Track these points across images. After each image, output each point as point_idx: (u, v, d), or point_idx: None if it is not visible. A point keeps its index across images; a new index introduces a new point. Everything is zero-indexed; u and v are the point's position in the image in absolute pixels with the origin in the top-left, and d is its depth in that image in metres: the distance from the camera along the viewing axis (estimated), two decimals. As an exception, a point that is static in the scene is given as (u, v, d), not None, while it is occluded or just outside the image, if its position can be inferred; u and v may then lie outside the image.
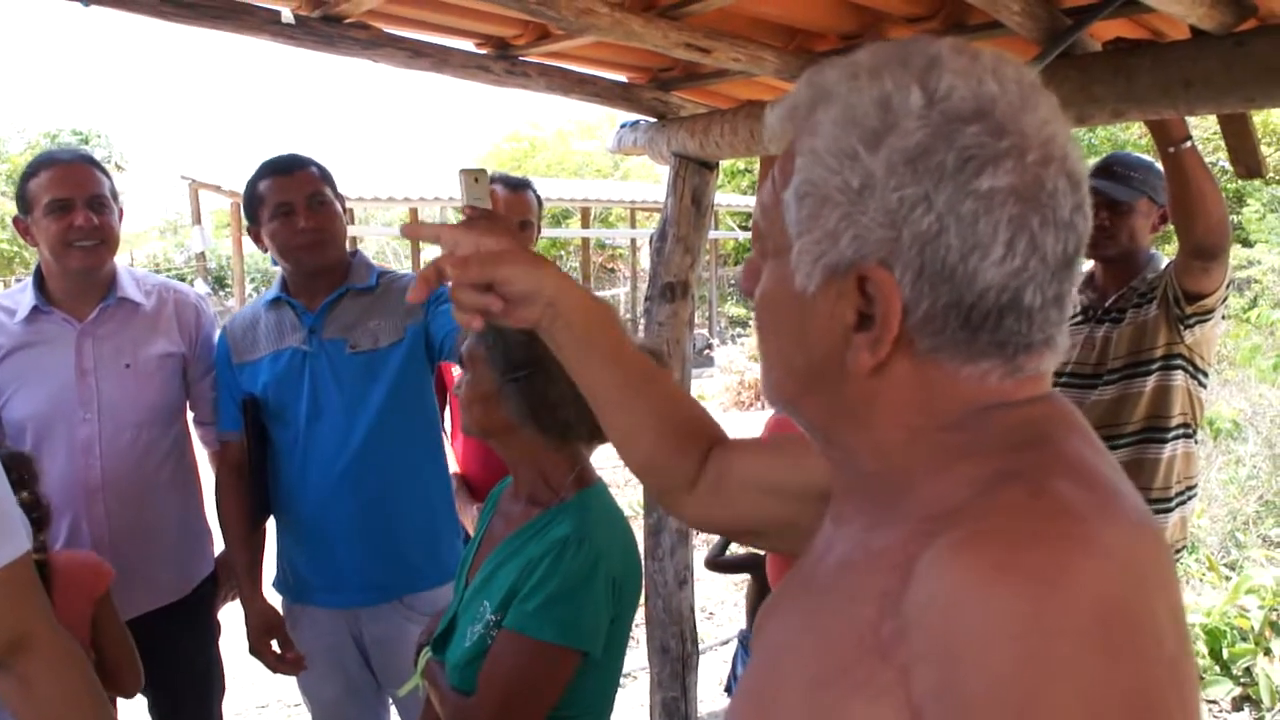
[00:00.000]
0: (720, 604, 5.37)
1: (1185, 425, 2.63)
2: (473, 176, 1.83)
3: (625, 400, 1.15)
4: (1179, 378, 2.59)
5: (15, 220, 2.36)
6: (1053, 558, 0.59)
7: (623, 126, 3.39)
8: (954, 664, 0.60)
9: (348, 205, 2.62)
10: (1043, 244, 0.69)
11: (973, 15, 2.24)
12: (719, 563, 3.10)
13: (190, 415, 2.61)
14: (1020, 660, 0.57)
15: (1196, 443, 2.74)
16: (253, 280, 19.81)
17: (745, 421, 10.03)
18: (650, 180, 25.14)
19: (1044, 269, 0.70)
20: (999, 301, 0.70)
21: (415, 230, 1.25)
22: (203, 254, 15.90)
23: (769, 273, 0.81)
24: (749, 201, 18.98)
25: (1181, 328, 2.53)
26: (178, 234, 28.16)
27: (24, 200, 2.32)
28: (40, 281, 2.39)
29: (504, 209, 2.97)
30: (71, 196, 2.28)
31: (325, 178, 2.43)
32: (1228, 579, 4.60)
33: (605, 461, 2.10)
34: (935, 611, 0.62)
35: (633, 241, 20.15)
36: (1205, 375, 2.64)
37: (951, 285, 0.69)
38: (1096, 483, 0.67)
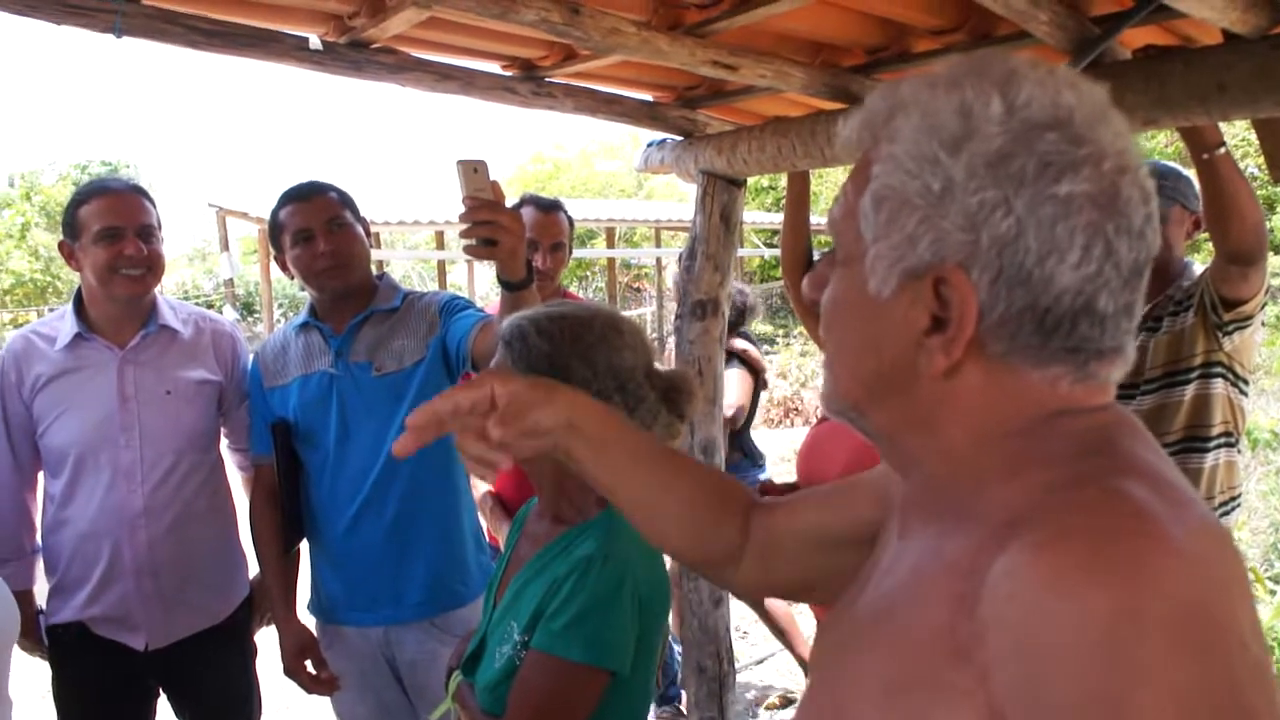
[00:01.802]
0: (755, 622, 5.32)
1: (1227, 434, 2.59)
2: (471, 167, 1.84)
3: (654, 496, 1.15)
4: (1219, 385, 2.56)
5: (61, 244, 2.40)
6: (1134, 555, 0.60)
7: (649, 145, 3.40)
8: (1038, 664, 0.60)
9: (373, 229, 2.64)
10: (1117, 250, 0.71)
11: (999, 26, 2.22)
12: None
13: (225, 441, 2.63)
14: (1109, 659, 0.57)
15: (1239, 452, 2.70)
16: (280, 306, 19.98)
17: (773, 438, 9.98)
18: (675, 199, 25.20)
19: (1117, 275, 0.72)
20: (1073, 306, 0.71)
21: (420, 436, 1.12)
22: (231, 280, 16.02)
23: (839, 280, 0.82)
24: (774, 219, 18.96)
25: (1220, 335, 2.50)
26: (205, 261, 28.50)
27: (72, 226, 2.35)
28: (80, 308, 2.42)
29: (536, 231, 3.01)
30: (122, 225, 2.31)
31: (345, 202, 2.45)
32: (1272, 593, 4.52)
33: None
34: (1016, 612, 0.62)
35: (658, 261, 20.16)
36: (1246, 383, 2.61)
37: (1027, 288, 0.71)
38: (1166, 487, 0.67)
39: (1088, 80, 0.75)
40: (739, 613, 5.05)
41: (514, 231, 1.85)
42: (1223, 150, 2.25)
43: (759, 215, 20.39)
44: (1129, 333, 0.75)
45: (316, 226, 2.36)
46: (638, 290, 22.77)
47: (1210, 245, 2.46)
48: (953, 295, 0.72)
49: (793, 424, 11.35)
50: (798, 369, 12.17)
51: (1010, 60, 0.75)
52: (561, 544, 1.58)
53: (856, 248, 0.79)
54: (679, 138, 3.23)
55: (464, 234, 1.85)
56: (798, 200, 3.06)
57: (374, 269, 2.58)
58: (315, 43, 2.39)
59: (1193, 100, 1.97)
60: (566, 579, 1.49)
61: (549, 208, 3.14)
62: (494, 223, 1.82)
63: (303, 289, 2.51)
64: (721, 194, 3.13)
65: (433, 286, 19.43)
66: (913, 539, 0.81)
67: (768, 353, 16.48)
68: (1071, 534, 0.63)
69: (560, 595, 1.48)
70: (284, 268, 2.48)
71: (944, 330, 0.73)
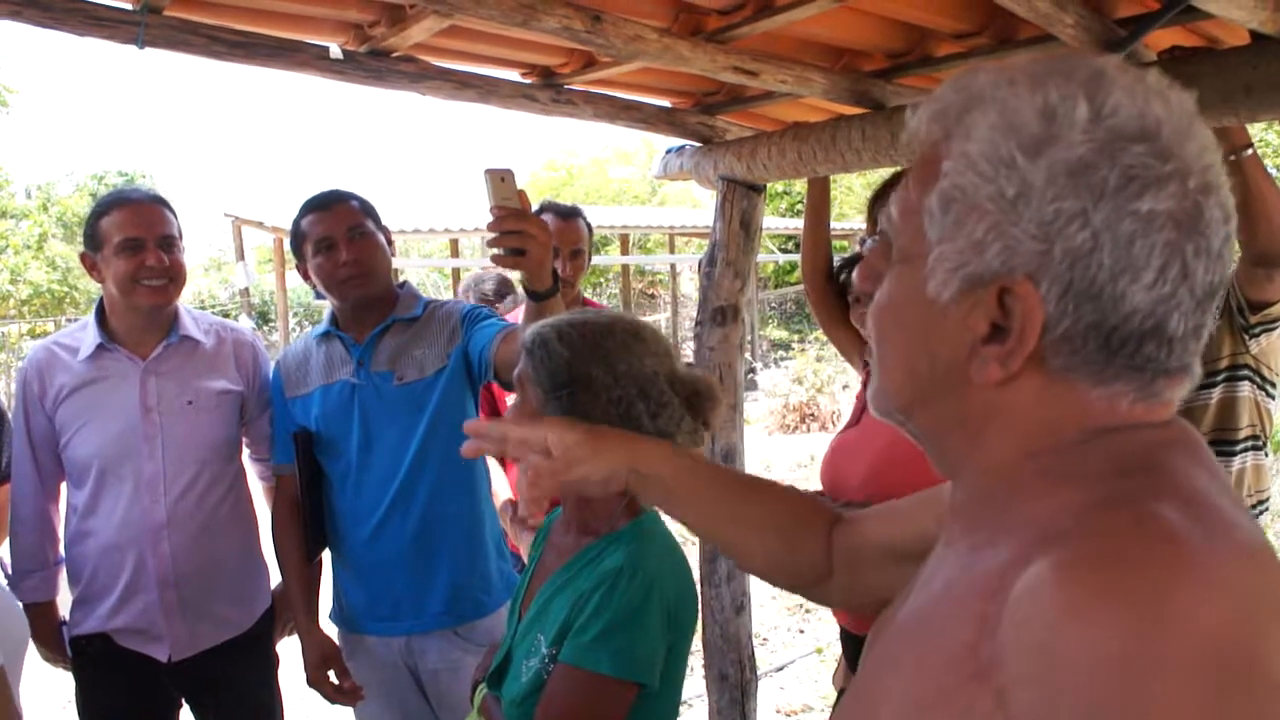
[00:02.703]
0: (774, 629, 5.32)
1: (1254, 437, 2.57)
2: (499, 176, 1.84)
3: (731, 527, 1.16)
4: (1245, 388, 2.53)
5: (83, 256, 2.40)
6: (1156, 585, 0.57)
7: (668, 152, 3.39)
8: (1052, 691, 0.58)
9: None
10: (1194, 273, 0.68)
11: (1023, 30, 2.21)
12: None
13: (246, 452, 2.63)
14: (1118, 694, 0.55)
15: (1266, 455, 2.68)
16: (295, 315, 20.03)
17: (790, 445, 9.97)
18: (688, 205, 25.18)
19: (1190, 298, 0.69)
20: (1142, 327, 0.69)
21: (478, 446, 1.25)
22: (246, 290, 16.08)
23: (895, 278, 0.80)
24: (788, 224, 18.94)
25: (1246, 337, 2.48)
26: (221, 270, 28.61)
27: (94, 238, 2.35)
28: (102, 319, 2.42)
29: (556, 238, 3.00)
30: (143, 236, 2.32)
31: (366, 210, 2.45)
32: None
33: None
34: (1033, 635, 0.60)
35: (672, 267, 20.15)
36: (1273, 385, 2.58)
37: (1096, 305, 0.68)
38: (1206, 510, 0.64)
39: (1177, 89, 0.71)
40: (758, 620, 5.04)
41: (542, 240, 1.85)
42: (1250, 152, 2.24)
43: (773, 221, 20.36)
44: (1196, 353, 0.72)
45: (338, 235, 2.36)
46: (652, 297, 22.78)
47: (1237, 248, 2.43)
48: (1017, 306, 0.69)
49: (809, 429, 11.32)
50: (813, 374, 12.14)
51: (1097, 61, 0.72)
52: (588, 556, 1.57)
53: (917, 247, 0.76)
54: (697, 144, 3.23)
55: (491, 243, 1.85)
56: (817, 206, 3.05)
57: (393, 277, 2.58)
58: (336, 52, 2.39)
59: (1221, 102, 1.95)
60: (594, 591, 1.48)
61: (568, 214, 3.13)
62: (522, 231, 1.82)
63: (320, 297, 2.51)
64: (741, 200, 3.12)
65: (447, 295, 19.48)
66: (950, 549, 0.80)
67: (783, 358, 16.48)
68: (1094, 558, 0.61)
69: (589, 608, 1.47)
70: (305, 277, 2.48)
71: (1003, 340, 0.71)
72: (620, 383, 1.50)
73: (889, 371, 0.82)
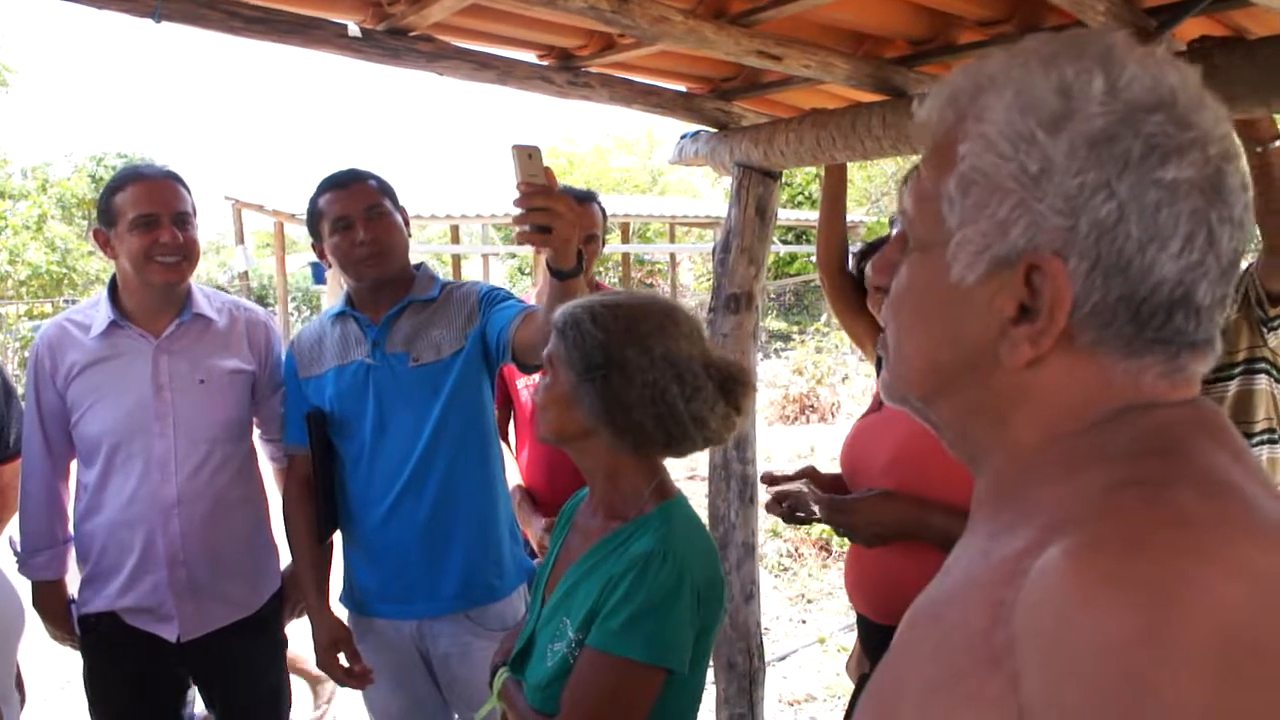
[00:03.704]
0: (776, 619, 5.31)
1: (1270, 430, 2.56)
2: (526, 153, 1.82)
3: None
4: (1263, 381, 2.53)
5: (96, 232, 2.37)
6: (1165, 571, 0.56)
7: (684, 137, 3.37)
8: (1058, 676, 0.58)
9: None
10: (1219, 239, 0.68)
11: (1049, 17, 2.19)
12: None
13: (257, 432, 2.61)
14: (1125, 681, 0.54)
15: (1283, 449, 2.67)
16: (294, 299, 19.97)
17: (790, 436, 9.95)
18: (689, 195, 25.15)
19: (1217, 266, 0.68)
20: (1171, 296, 0.68)
21: None
22: (246, 274, 16.03)
23: (915, 266, 0.79)
24: (790, 215, 18.90)
25: (1265, 330, 2.47)
26: (220, 254, 28.53)
27: (108, 214, 2.32)
28: (115, 296, 2.40)
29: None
30: (158, 212, 2.29)
31: (385, 190, 2.43)
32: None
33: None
34: (1044, 622, 0.60)
35: (672, 256, 20.15)
36: (1292, 378, 2.58)
37: (1125, 277, 0.67)
38: (1225, 493, 0.63)
39: (1183, 63, 0.71)
40: (763, 609, 5.04)
41: (568, 219, 1.83)
42: (1278, 144, 2.22)
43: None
44: (1220, 325, 0.72)
45: (355, 214, 2.34)
46: (651, 286, 22.77)
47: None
48: (1045, 284, 0.69)
49: (808, 421, 11.31)
50: (814, 365, 12.13)
51: (1107, 37, 0.71)
52: (617, 539, 1.55)
53: (936, 233, 0.75)
54: (712, 130, 3.21)
55: (518, 220, 1.82)
56: (834, 195, 3.03)
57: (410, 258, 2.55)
58: (354, 30, 2.37)
59: (1251, 93, 1.94)
60: (624, 576, 1.46)
61: (583, 199, 3.11)
62: (549, 209, 1.80)
63: (320, 282, 2.49)
64: (757, 186, 3.10)
65: (447, 280, 19.42)
66: (973, 537, 0.79)
67: (782, 350, 16.48)
68: (1105, 543, 0.60)
69: (618, 592, 1.46)
70: (322, 256, 2.46)
71: (1032, 320, 0.70)
72: (655, 365, 1.49)
73: (908, 361, 0.81)
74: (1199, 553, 0.57)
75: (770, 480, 2.20)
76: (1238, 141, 0.70)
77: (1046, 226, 0.68)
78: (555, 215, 1.80)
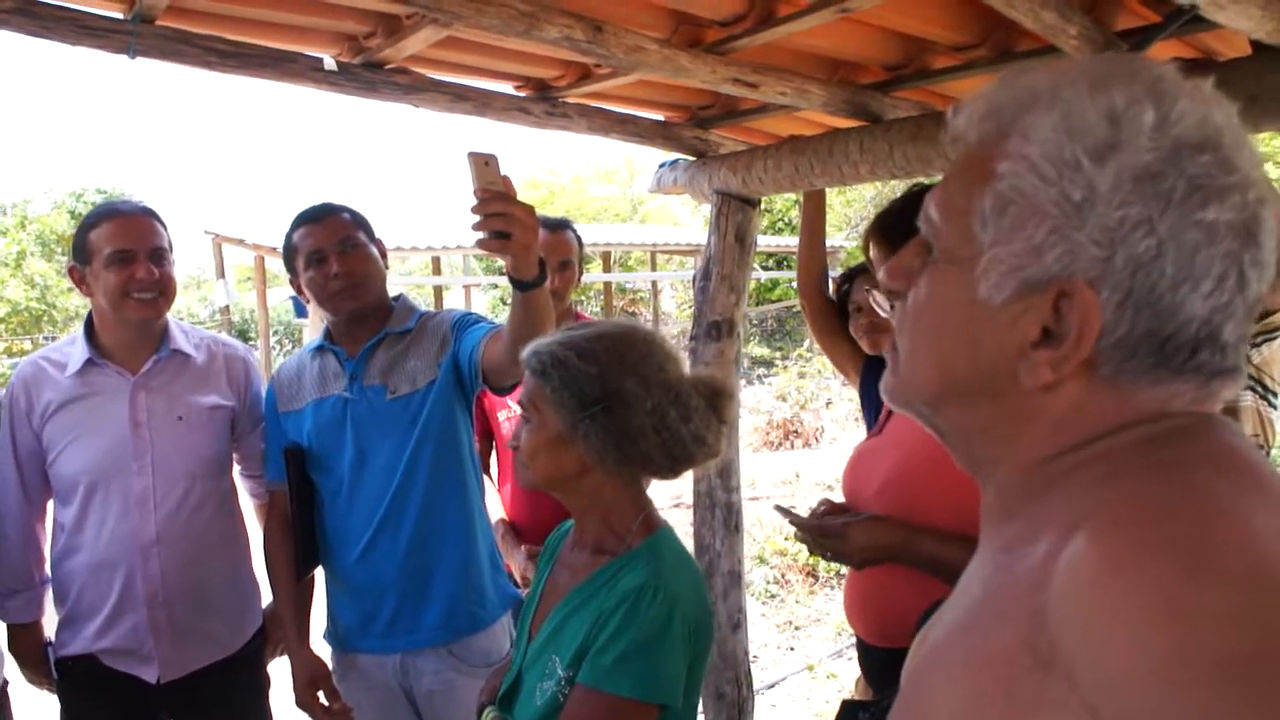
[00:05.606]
0: (764, 647, 5.28)
1: (1259, 448, 2.57)
2: (483, 160, 1.80)
3: None
4: (1248, 398, 2.54)
5: (71, 269, 2.35)
6: (1188, 535, 0.58)
7: (662, 166, 3.38)
8: (1103, 647, 0.58)
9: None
10: (1249, 282, 0.69)
11: (1021, 41, 2.21)
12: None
13: (237, 469, 2.59)
14: (1164, 646, 0.55)
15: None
16: (276, 333, 19.87)
17: (774, 462, 9.94)
18: (669, 223, 25.24)
19: (1244, 306, 0.69)
20: (1198, 335, 0.69)
21: None
22: (227, 308, 15.96)
23: (939, 277, 0.78)
24: (770, 241, 18.95)
25: (1248, 347, 2.47)
26: (200, 288, 28.45)
27: (83, 250, 2.30)
28: (91, 334, 2.37)
29: (544, 250, 2.96)
30: (133, 248, 2.27)
31: (358, 222, 2.42)
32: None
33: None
34: (1078, 605, 0.60)
35: (654, 284, 20.17)
36: (1275, 395, 2.59)
37: (1154, 313, 0.68)
38: (1242, 465, 0.65)
39: (1224, 98, 0.71)
40: (749, 637, 5.01)
41: (527, 224, 1.80)
42: None
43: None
44: (1243, 356, 0.73)
45: (329, 248, 2.33)
46: (634, 314, 22.77)
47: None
48: (1074, 312, 0.69)
49: (793, 446, 11.30)
50: (797, 391, 12.14)
51: (1155, 65, 0.71)
52: (605, 574, 1.53)
53: (964, 248, 0.75)
54: (691, 158, 3.21)
55: (476, 226, 1.79)
56: (812, 221, 3.04)
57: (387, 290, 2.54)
58: (330, 63, 2.37)
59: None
60: (615, 611, 1.44)
61: (556, 226, 3.10)
62: (507, 214, 1.77)
63: (301, 315, 2.48)
64: (736, 214, 3.11)
65: (429, 312, 19.37)
66: (984, 552, 0.79)
67: (765, 376, 16.51)
68: (1126, 520, 0.61)
69: (609, 628, 1.43)
70: (300, 291, 2.44)
71: (1054, 345, 0.70)
72: (652, 392, 1.48)
73: (918, 366, 0.81)
74: (1218, 517, 0.59)
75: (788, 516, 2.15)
76: (1272, 185, 0.71)
77: (1083, 256, 0.68)
78: (513, 220, 1.77)
